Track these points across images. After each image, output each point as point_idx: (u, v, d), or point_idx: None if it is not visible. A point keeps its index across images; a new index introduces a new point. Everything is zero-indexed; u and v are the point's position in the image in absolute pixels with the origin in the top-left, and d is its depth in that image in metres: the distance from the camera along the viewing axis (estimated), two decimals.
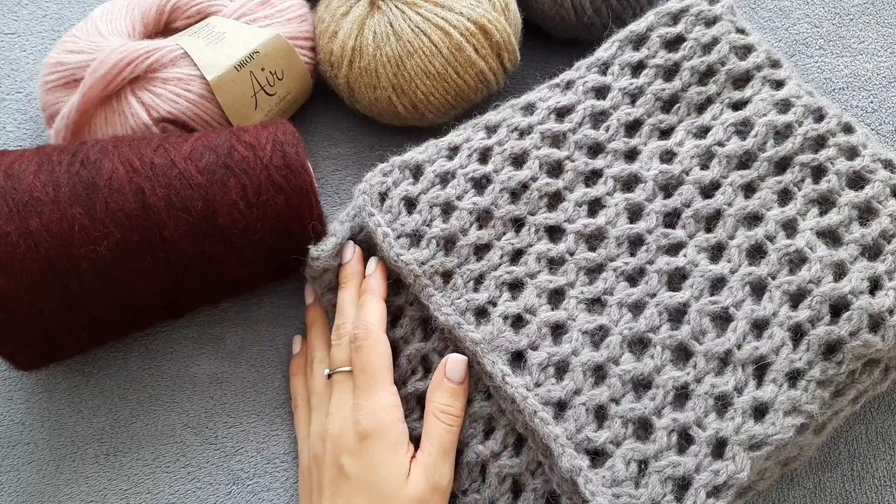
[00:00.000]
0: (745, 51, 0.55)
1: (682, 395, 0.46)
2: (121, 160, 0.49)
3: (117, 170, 0.48)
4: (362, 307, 0.51)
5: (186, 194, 0.49)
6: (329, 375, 0.51)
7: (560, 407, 0.46)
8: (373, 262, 0.54)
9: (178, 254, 0.49)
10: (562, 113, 0.54)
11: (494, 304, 0.50)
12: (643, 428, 0.46)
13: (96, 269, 0.47)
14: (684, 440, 0.45)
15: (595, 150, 0.54)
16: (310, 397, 0.53)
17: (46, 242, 0.46)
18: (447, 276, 0.51)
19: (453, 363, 0.49)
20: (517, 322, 0.49)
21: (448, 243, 0.51)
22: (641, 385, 0.47)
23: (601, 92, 0.55)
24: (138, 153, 0.50)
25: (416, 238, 0.51)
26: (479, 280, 0.51)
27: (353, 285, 0.53)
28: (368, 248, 0.55)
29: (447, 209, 0.52)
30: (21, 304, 0.46)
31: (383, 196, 0.53)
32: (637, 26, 0.56)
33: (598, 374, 0.47)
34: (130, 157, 0.49)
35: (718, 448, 0.44)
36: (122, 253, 0.48)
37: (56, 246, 0.46)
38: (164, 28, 0.60)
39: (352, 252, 0.54)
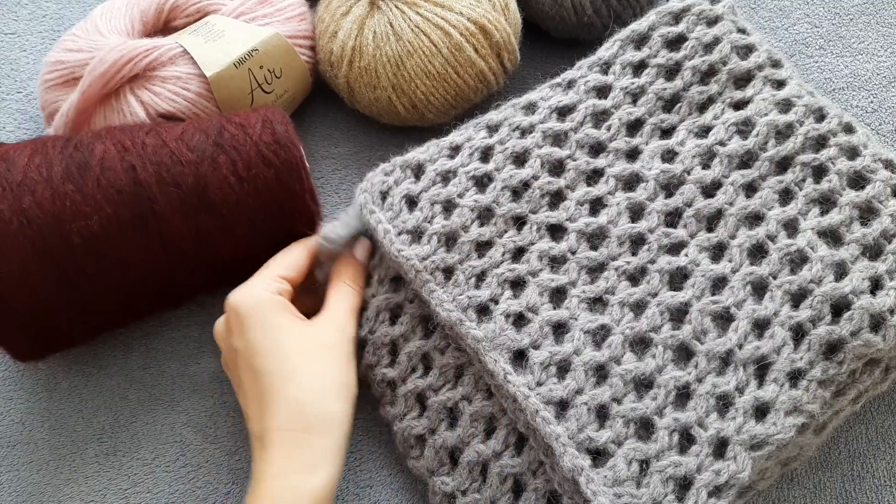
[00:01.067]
0: (746, 50, 0.55)
1: (683, 395, 0.46)
2: (113, 142, 0.50)
3: (109, 150, 0.49)
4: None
5: (177, 171, 0.49)
6: None
7: (562, 406, 0.46)
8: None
9: (170, 229, 0.49)
10: (563, 112, 0.54)
11: (496, 302, 0.50)
12: (644, 428, 0.46)
13: (88, 244, 0.47)
14: (686, 440, 0.45)
15: (596, 149, 0.54)
16: None
17: (39, 219, 0.46)
18: (448, 272, 0.51)
19: (363, 246, 0.54)
20: (519, 320, 0.49)
21: (449, 240, 0.51)
22: (643, 385, 0.47)
23: (603, 91, 0.55)
24: (130, 135, 0.50)
25: (416, 234, 0.51)
26: (480, 277, 0.50)
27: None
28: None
29: (448, 206, 0.52)
30: (15, 283, 0.46)
31: (384, 195, 0.53)
32: (638, 26, 0.56)
33: (600, 373, 0.47)
34: (122, 138, 0.50)
35: (720, 448, 0.44)
36: (114, 228, 0.48)
37: (48, 222, 0.47)
38: (163, 27, 0.60)
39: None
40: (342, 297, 0.52)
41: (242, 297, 0.48)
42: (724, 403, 0.45)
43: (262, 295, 0.48)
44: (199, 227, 0.50)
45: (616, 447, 0.45)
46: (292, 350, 0.47)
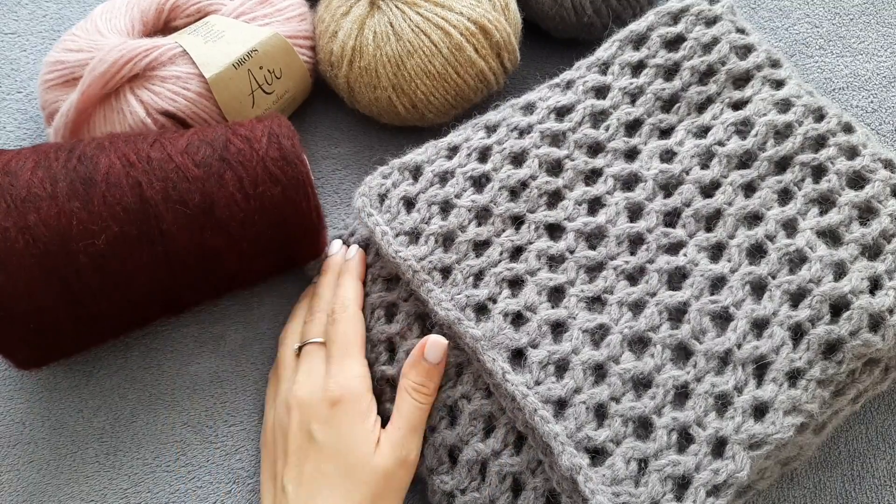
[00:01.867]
0: (745, 50, 0.55)
1: (682, 395, 0.46)
2: (117, 155, 0.49)
3: (114, 164, 0.49)
4: (340, 286, 0.53)
5: (184, 187, 0.49)
6: (300, 349, 0.52)
7: (560, 405, 0.46)
8: (353, 248, 0.56)
9: (176, 247, 0.49)
10: (562, 112, 0.54)
11: (494, 301, 0.50)
12: (643, 427, 0.46)
13: (95, 263, 0.47)
14: (684, 439, 0.45)
15: (595, 149, 0.54)
16: (277, 370, 0.54)
17: (45, 237, 0.46)
18: (446, 271, 0.51)
19: (433, 345, 0.50)
20: (517, 319, 0.49)
21: (447, 240, 0.51)
22: (641, 384, 0.47)
23: (601, 91, 0.55)
24: (135, 148, 0.50)
25: (414, 235, 0.51)
26: (478, 276, 0.51)
27: (334, 273, 0.55)
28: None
29: (446, 207, 0.52)
30: (20, 299, 0.46)
31: (383, 197, 0.53)
32: (637, 26, 0.56)
33: (599, 372, 0.47)
34: (127, 151, 0.49)
35: (718, 447, 0.44)
36: (121, 247, 0.48)
37: (54, 240, 0.46)
38: (163, 27, 0.60)
39: (338, 247, 0.57)
40: (408, 414, 0.49)
41: (348, 388, 0.49)
42: (722, 403, 0.45)
43: (372, 407, 0.50)
44: (204, 244, 0.50)
45: (614, 446, 0.45)
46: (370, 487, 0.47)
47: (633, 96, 0.55)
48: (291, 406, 0.49)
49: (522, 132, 0.54)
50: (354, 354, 0.51)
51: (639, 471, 0.44)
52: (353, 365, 0.50)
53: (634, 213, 0.51)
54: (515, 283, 0.50)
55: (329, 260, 0.56)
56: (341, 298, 0.53)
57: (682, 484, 0.44)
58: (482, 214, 0.52)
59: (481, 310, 0.50)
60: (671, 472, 0.44)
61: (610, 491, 0.43)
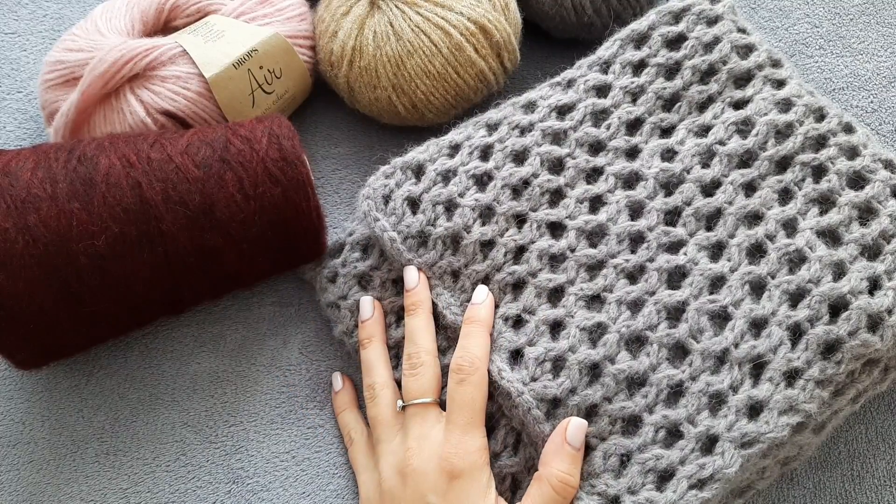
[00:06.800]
0: (746, 50, 0.55)
1: (676, 393, 0.46)
2: (117, 156, 0.49)
3: (114, 165, 0.49)
4: (470, 338, 0.49)
5: (184, 188, 0.49)
6: (403, 407, 0.49)
7: (554, 404, 0.46)
8: (482, 290, 0.51)
9: (176, 247, 0.49)
10: (563, 111, 0.54)
11: (498, 306, 0.50)
12: (633, 425, 0.46)
13: (95, 263, 0.47)
14: (673, 436, 0.45)
15: (596, 147, 0.54)
16: (372, 428, 0.51)
17: (45, 238, 0.46)
18: (455, 275, 0.51)
19: (576, 428, 0.45)
20: (517, 323, 0.49)
21: (454, 242, 0.51)
22: (636, 383, 0.47)
23: (602, 90, 0.55)
24: (135, 149, 0.50)
25: (422, 239, 0.51)
26: (483, 281, 0.51)
27: (425, 311, 0.51)
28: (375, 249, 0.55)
29: (450, 207, 0.52)
30: (20, 300, 0.46)
31: (386, 199, 0.53)
32: (639, 25, 0.56)
33: (594, 372, 0.47)
34: (127, 152, 0.49)
35: (708, 444, 0.44)
36: (121, 247, 0.48)
37: (54, 241, 0.46)
38: (163, 27, 0.60)
39: (416, 279, 0.52)
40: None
41: (471, 462, 0.46)
42: (716, 402, 0.45)
43: (491, 483, 0.47)
44: (204, 245, 0.50)
45: (598, 441, 0.45)
46: None
47: (635, 95, 0.55)
48: (406, 474, 0.46)
49: (524, 130, 0.54)
50: (479, 424, 0.47)
51: (620, 465, 0.45)
52: (477, 437, 0.47)
53: (635, 211, 0.51)
54: (518, 287, 0.50)
55: (412, 296, 0.52)
56: (471, 355, 0.48)
57: (665, 477, 0.44)
58: (486, 213, 0.52)
59: None
60: (653, 466, 0.44)
61: (587, 484, 0.45)
